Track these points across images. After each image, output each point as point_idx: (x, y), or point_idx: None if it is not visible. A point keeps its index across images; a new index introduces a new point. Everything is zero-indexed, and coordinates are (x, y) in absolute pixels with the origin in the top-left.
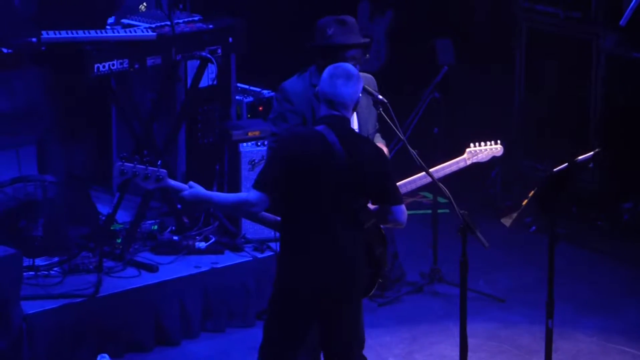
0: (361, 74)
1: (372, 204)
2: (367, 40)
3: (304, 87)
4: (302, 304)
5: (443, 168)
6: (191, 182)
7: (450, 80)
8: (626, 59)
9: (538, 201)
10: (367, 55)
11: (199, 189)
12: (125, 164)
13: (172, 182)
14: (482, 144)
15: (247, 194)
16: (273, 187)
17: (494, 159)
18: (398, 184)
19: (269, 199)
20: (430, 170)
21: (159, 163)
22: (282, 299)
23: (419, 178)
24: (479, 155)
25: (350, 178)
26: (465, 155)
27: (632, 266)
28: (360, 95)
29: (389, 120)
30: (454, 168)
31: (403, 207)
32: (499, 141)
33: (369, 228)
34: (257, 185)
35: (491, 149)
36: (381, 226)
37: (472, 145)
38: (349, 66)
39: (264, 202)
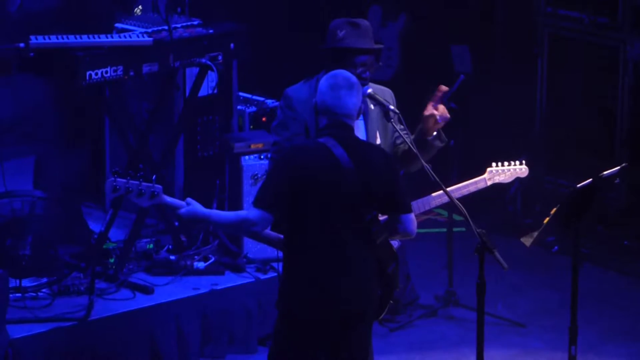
0: (379, 87)
1: (381, 213)
2: (381, 46)
3: (309, 94)
4: (309, 329)
5: (460, 188)
6: (189, 199)
7: (467, 89)
8: None
9: (561, 219)
10: (380, 63)
11: (196, 206)
12: (118, 179)
13: (168, 198)
14: (506, 163)
15: (248, 212)
16: (275, 205)
17: (517, 180)
18: (411, 203)
19: (272, 217)
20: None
21: (153, 178)
22: (288, 324)
23: (433, 198)
24: (502, 176)
25: (359, 189)
26: (485, 175)
27: None
28: (373, 107)
29: (400, 133)
30: (472, 189)
31: (412, 216)
32: (523, 161)
33: (379, 245)
34: (257, 203)
35: (515, 170)
36: (391, 241)
37: (493, 164)
38: (347, 74)
39: (265, 220)
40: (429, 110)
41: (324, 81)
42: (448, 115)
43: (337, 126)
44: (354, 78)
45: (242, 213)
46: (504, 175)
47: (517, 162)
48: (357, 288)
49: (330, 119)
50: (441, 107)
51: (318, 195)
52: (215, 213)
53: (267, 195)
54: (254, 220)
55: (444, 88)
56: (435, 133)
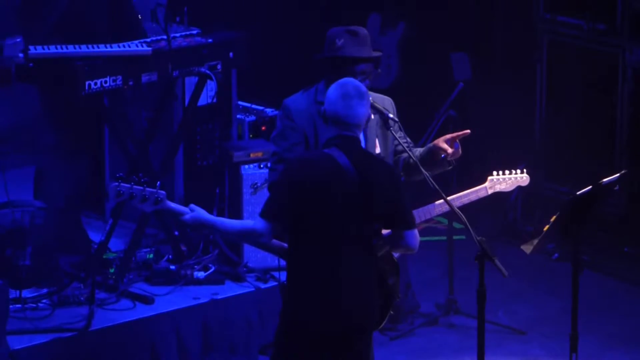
0: (379, 95)
1: (384, 228)
2: (379, 54)
3: (307, 104)
4: (311, 338)
5: (460, 197)
6: (192, 205)
7: (466, 97)
8: None
9: (561, 226)
10: (379, 70)
11: (201, 213)
12: (122, 184)
13: (172, 204)
14: (507, 172)
15: (254, 222)
16: (282, 217)
17: (517, 187)
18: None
19: (279, 228)
20: (447, 197)
21: (157, 184)
22: (290, 333)
23: (434, 207)
24: (502, 185)
25: (362, 201)
26: (486, 184)
27: None
28: (373, 116)
29: (399, 141)
30: (473, 197)
31: (416, 231)
32: (524, 170)
33: (381, 257)
34: (264, 214)
35: (516, 178)
36: (393, 253)
37: (494, 172)
38: (357, 83)
39: (271, 232)
40: (443, 143)
41: (333, 90)
42: (460, 153)
43: (345, 137)
44: (363, 87)
45: (248, 223)
46: (505, 183)
47: (518, 171)
48: (358, 300)
49: (340, 129)
50: (456, 149)
51: (320, 206)
52: (220, 221)
53: (273, 206)
54: (261, 232)
55: (467, 133)
56: (443, 156)
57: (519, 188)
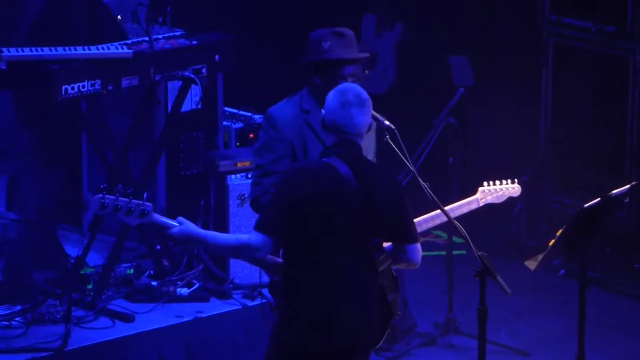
0: None
1: (385, 240)
2: (367, 54)
3: (293, 113)
4: (309, 357)
5: (452, 209)
6: (180, 218)
7: (467, 103)
8: None
9: (567, 241)
10: (366, 72)
11: (190, 226)
12: (107, 195)
13: (159, 217)
14: (497, 182)
15: (249, 236)
16: (280, 230)
17: (510, 200)
18: None
19: (275, 242)
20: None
21: (144, 196)
22: (285, 351)
23: (430, 218)
24: (493, 196)
25: (365, 213)
26: (477, 195)
27: None
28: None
29: (396, 150)
30: (465, 210)
31: (418, 245)
32: (515, 180)
33: (381, 272)
34: (260, 227)
35: (507, 189)
36: (393, 268)
37: (485, 183)
38: (358, 89)
39: (268, 246)
40: None
41: (332, 97)
42: None
43: (345, 145)
44: (364, 93)
45: (243, 238)
46: (495, 195)
47: (509, 181)
48: (358, 317)
49: (339, 137)
50: None
51: (321, 218)
52: (211, 235)
53: (272, 218)
54: (258, 246)
55: None
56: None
57: (523, 200)
